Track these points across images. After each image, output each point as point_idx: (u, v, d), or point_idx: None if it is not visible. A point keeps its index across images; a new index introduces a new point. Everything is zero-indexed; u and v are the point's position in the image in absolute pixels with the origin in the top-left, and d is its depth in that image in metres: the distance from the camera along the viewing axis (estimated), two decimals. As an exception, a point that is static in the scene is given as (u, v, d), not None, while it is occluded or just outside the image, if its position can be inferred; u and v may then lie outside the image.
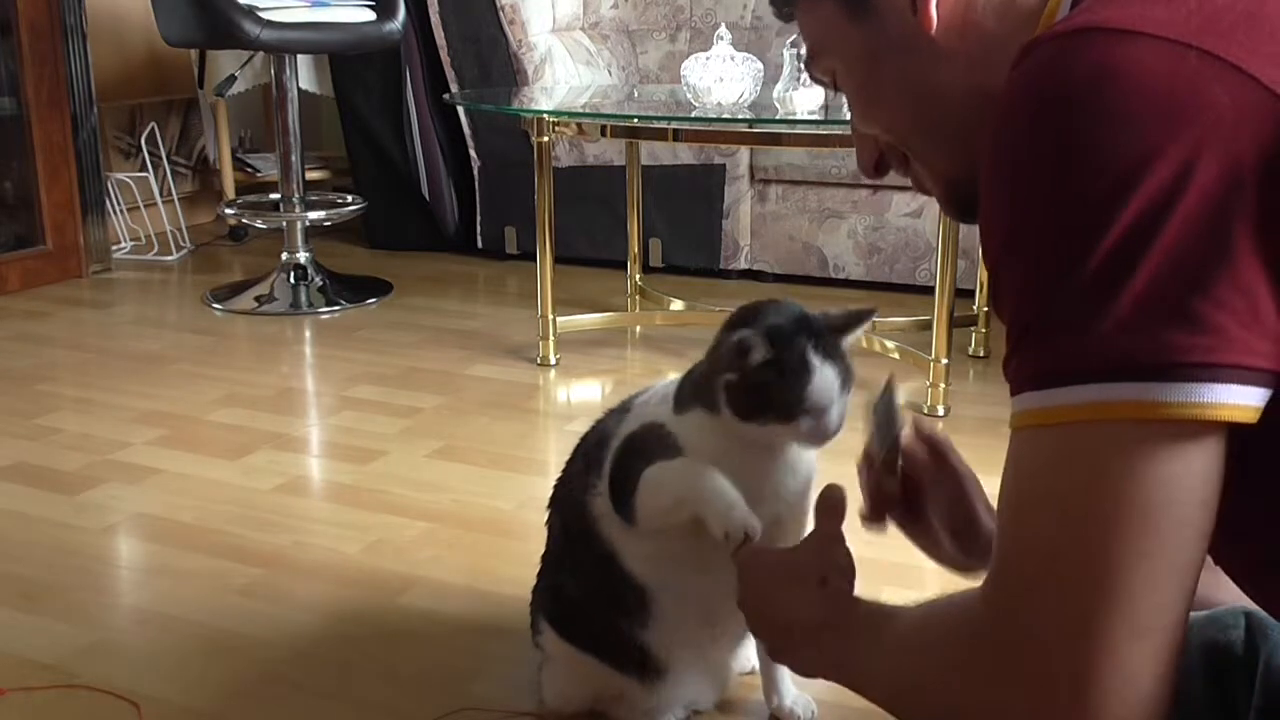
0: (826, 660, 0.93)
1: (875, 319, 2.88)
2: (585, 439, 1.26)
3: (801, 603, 0.96)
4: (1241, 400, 0.63)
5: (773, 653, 1.05)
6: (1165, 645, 0.67)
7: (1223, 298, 0.62)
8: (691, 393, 1.14)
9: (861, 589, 1.64)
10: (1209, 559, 0.78)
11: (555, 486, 1.30)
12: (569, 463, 1.29)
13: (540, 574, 1.32)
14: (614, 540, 1.17)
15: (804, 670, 1.00)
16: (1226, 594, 0.91)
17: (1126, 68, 0.64)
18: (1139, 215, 0.63)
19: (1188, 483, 0.65)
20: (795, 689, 1.28)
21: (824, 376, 1.09)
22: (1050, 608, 0.67)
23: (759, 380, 1.07)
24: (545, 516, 1.31)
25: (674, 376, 1.23)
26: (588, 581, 1.22)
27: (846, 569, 0.98)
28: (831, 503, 1.04)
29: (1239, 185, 0.62)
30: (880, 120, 0.89)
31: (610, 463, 1.17)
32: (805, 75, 2.34)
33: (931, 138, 0.86)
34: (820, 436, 1.10)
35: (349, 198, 3.49)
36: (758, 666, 1.36)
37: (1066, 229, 0.65)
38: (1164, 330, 0.63)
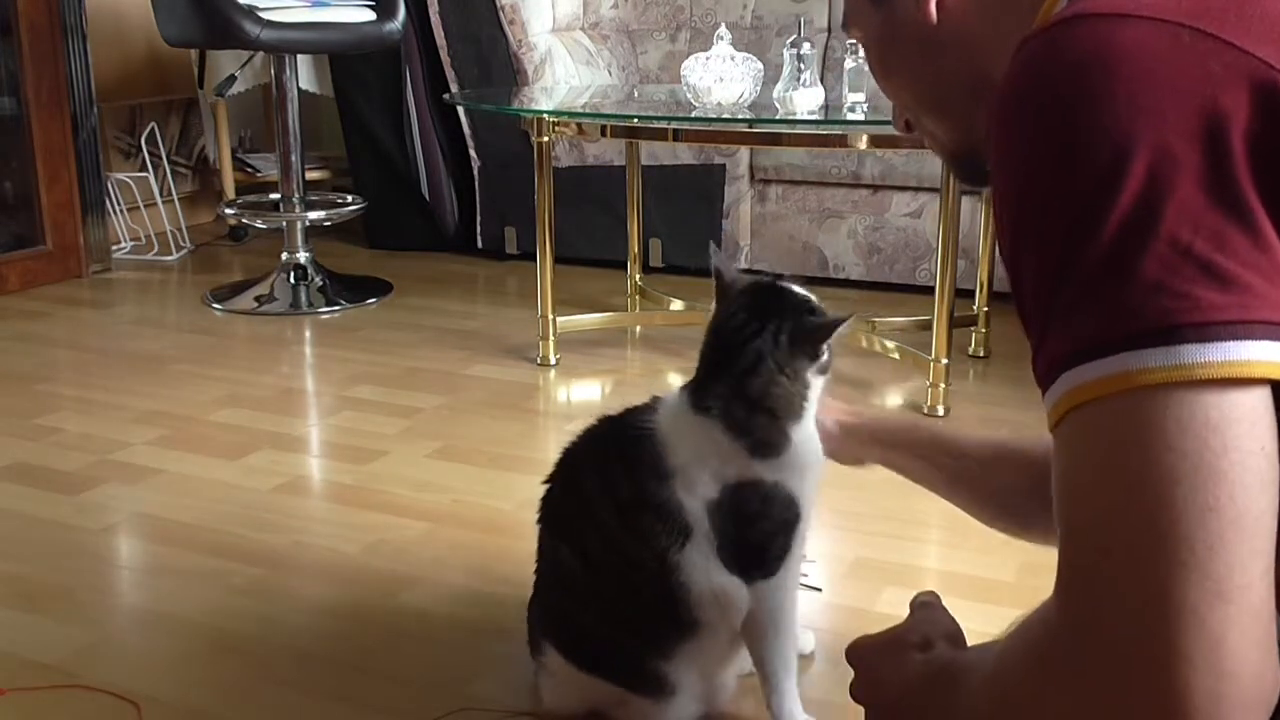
0: (934, 717, 0.91)
1: (875, 319, 2.88)
2: (606, 486, 1.21)
3: (905, 667, 0.96)
4: (1275, 357, 0.62)
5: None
6: (1250, 608, 0.62)
7: (1245, 254, 0.62)
8: (770, 428, 1.17)
9: (862, 589, 1.65)
10: None
11: (557, 515, 1.27)
12: (572, 493, 1.25)
13: (541, 595, 1.30)
14: (695, 582, 1.18)
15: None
16: None
17: (1121, 45, 0.65)
18: (1146, 179, 0.63)
19: (1240, 430, 0.62)
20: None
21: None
22: (1120, 584, 0.64)
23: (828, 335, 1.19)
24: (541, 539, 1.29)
25: (674, 393, 1.23)
26: (617, 616, 1.21)
27: (952, 633, 0.99)
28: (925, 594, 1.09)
29: (1242, 146, 0.62)
30: (891, 93, 0.95)
31: (730, 538, 1.17)
32: (807, 74, 2.34)
33: (934, 116, 0.92)
34: None
35: (349, 198, 3.49)
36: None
37: (1076, 201, 0.64)
38: (1192, 289, 0.62)
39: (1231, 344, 0.62)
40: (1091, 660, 0.65)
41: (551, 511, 1.28)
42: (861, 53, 0.99)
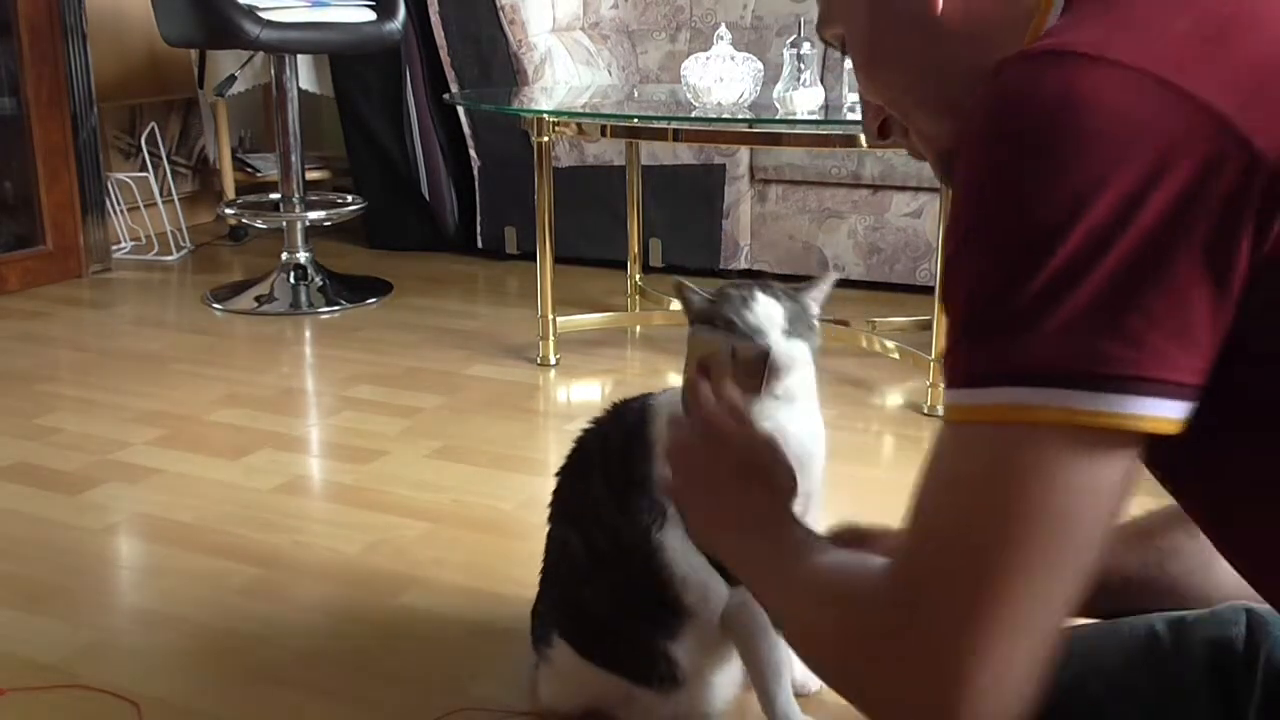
0: (735, 553, 0.97)
1: (875, 319, 2.88)
2: (605, 468, 1.23)
3: (747, 498, 0.97)
4: (1163, 413, 0.66)
5: (680, 502, 1.05)
6: (1044, 650, 0.70)
7: (1158, 316, 0.65)
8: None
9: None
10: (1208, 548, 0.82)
11: (565, 502, 1.28)
12: (579, 480, 1.26)
13: (547, 588, 1.31)
14: (676, 569, 1.18)
15: (698, 538, 1.05)
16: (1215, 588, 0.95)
17: (1086, 95, 0.66)
18: (1086, 238, 0.65)
19: (1097, 498, 0.68)
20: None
21: None
22: (945, 602, 0.70)
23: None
24: (546, 527, 1.30)
25: (670, 390, 1.23)
26: (624, 601, 1.22)
27: (790, 482, 1.00)
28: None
29: (1187, 213, 0.64)
30: (881, 92, 0.91)
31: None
32: (807, 74, 2.34)
33: (929, 111, 0.88)
34: None
35: (349, 198, 3.49)
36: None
37: (1019, 244, 0.68)
38: (1096, 343, 0.66)
39: (1116, 396, 0.65)
40: (895, 652, 0.72)
41: (559, 499, 1.29)
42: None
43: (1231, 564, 0.82)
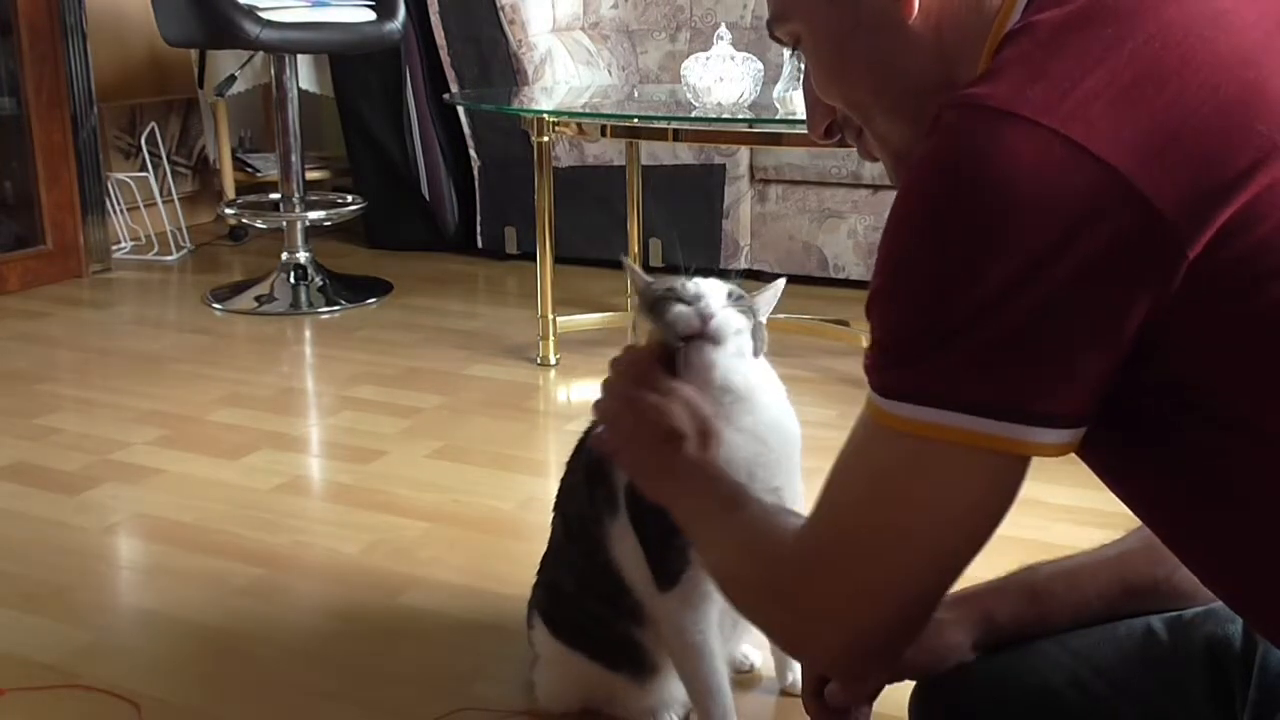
0: (673, 503, 1.04)
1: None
2: (588, 453, 1.24)
3: (675, 460, 1.04)
4: (1047, 439, 0.73)
5: (632, 470, 1.12)
6: (916, 621, 0.83)
7: (1050, 360, 0.72)
8: None
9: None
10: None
11: (561, 487, 1.30)
12: (570, 466, 1.29)
13: (539, 571, 1.33)
14: (621, 562, 1.19)
15: (644, 492, 1.10)
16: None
17: (999, 159, 0.70)
18: (992, 294, 0.70)
19: (980, 503, 0.77)
20: None
21: None
22: (844, 571, 0.81)
23: None
24: (546, 517, 1.31)
25: None
26: (585, 581, 1.23)
27: (704, 425, 1.06)
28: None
29: (1088, 275, 0.69)
30: (842, 93, 0.89)
31: (638, 521, 1.16)
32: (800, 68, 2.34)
33: (890, 115, 0.87)
34: None
35: (349, 198, 3.49)
36: (756, 664, 1.37)
37: (933, 293, 0.74)
38: (992, 380, 0.73)
39: (1007, 424, 0.72)
40: (792, 602, 0.85)
41: (560, 485, 1.30)
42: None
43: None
